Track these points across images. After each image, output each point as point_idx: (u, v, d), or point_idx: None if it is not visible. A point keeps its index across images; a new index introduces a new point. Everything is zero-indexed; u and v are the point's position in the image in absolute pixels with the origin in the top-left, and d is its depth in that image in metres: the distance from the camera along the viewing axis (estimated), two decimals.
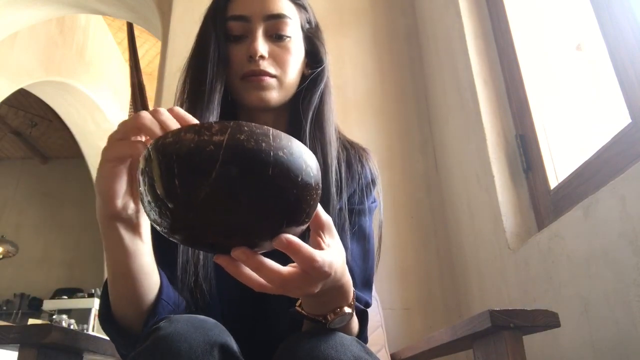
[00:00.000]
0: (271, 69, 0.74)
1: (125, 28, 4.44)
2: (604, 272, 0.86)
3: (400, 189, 1.62)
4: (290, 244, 0.42)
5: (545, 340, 1.03)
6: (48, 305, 5.42)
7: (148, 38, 4.84)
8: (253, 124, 0.40)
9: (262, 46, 0.72)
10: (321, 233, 0.48)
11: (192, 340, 0.50)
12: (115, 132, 0.50)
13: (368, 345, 0.61)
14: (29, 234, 6.59)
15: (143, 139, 0.50)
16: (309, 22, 0.82)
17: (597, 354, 0.88)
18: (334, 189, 0.73)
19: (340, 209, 0.74)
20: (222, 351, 0.51)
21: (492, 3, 1.43)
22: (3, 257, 5.82)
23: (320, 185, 0.44)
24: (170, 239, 0.44)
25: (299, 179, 0.40)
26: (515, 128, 1.29)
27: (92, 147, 5.39)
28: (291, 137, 0.42)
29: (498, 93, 1.35)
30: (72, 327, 4.38)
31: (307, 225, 0.46)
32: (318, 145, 0.75)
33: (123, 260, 0.55)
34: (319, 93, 0.79)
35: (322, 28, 0.86)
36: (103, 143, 0.51)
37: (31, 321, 4.61)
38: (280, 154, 0.39)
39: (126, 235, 0.54)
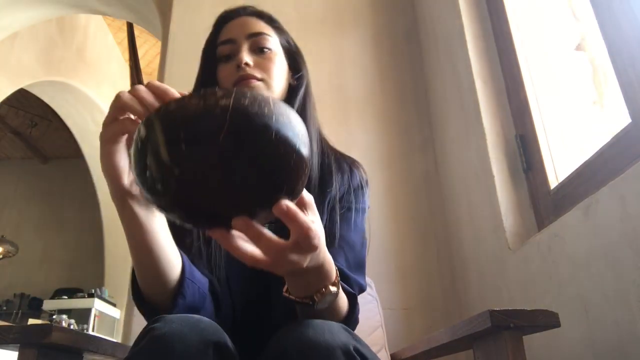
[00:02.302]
0: (257, 73, 0.81)
1: (125, 28, 4.44)
2: (604, 272, 0.86)
3: (400, 189, 1.62)
4: (289, 209, 0.44)
5: (545, 340, 1.03)
6: (48, 305, 5.42)
7: (148, 38, 4.84)
8: (254, 90, 0.43)
9: (247, 56, 0.81)
10: (304, 210, 0.49)
11: (187, 340, 0.51)
12: (106, 117, 0.53)
13: (368, 345, 0.62)
14: (29, 234, 6.59)
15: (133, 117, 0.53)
16: (288, 42, 0.91)
17: (597, 354, 0.88)
18: (316, 183, 0.80)
19: (332, 201, 0.80)
20: (217, 350, 0.52)
21: (492, 3, 1.43)
22: (3, 257, 5.82)
23: (310, 161, 0.46)
24: (168, 214, 0.44)
25: (297, 146, 0.42)
26: (515, 128, 1.29)
27: (92, 147, 5.39)
28: (288, 105, 0.44)
29: (498, 93, 1.35)
30: (72, 327, 4.38)
31: (297, 200, 0.47)
32: None
33: (141, 237, 0.57)
34: (300, 96, 0.87)
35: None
36: None
37: (31, 321, 4.62)
38: (281, 119, 0.41)
39: (140, 211, 0.56)
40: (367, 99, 1.75)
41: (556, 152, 1.18)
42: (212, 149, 0.39)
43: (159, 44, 2.81)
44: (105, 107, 5.02)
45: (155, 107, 0.49)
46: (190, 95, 0.41)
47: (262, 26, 0.87)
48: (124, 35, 4.94)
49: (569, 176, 1.07)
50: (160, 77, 1.82)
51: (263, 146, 0.40)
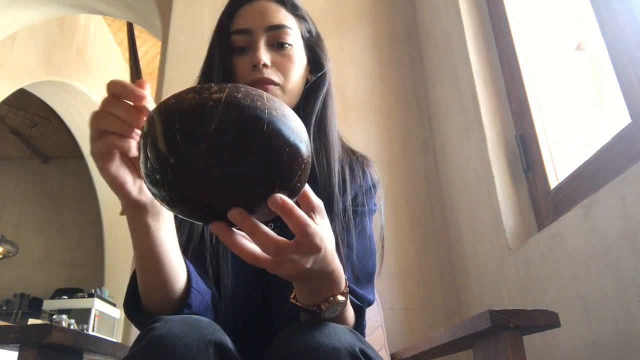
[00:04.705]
0: (274, 77, 0.75)
1: (125, 28, 4.44)
2: (604, 272, 0.86)
3: (400, 189, 1.62)
4: (284, 203, 0.43)
5: (545, 340, 1.03)
6: (48, 305, 5.43)
7: (148, 38, 4.84)
8: (249, 86, 0.44)
9: (264, 55, 0.75)
10: (312, 214, 0.48)
11: (187, 339, 0.51)
12: (90, 136, 0.51)
13: (373, 347, 0.62)
14: (29, 234, 6.59)
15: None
16: (310, 32, 0.84)
17: (597, 354, 0.88)
18: (337, 190, 0.75)
19: (345, 210, 0.76)
20: (217, 349, 0.52)
21: (492, 3, 1.43)
22: (3, 257, 5.83)
23: (311, 157, 0.46)
24: (171, 208, 0.45)
25: (290, 140, 0.43)
26: (515, 128, 1.29)
27: None
28: (283, 103, 0.45)
29: (498, 93, 1.35)
30: (72, 327, 4.38)
31: (298, 196, 0.47)
32: (322, 149, 0.78)
33: (149, 248, 0.57)
34: (321, 98, 0.81)
35: (322, 28, 0.88)
36: None
37: (31, 321, 4.62)
38: (274, 113, 0.42)
39: (150, 222, 0.56)
40: (367, 99, 1.75)
41: (556, 152, 1.18)
42: (204, 139, 0.40)
43: (159, 44, 2.82)
44: None
45: (130, 119, 0.48)
46: (188, 90, 0.42)
47: (283, 16, 0.79)
48: (124, 35, 4.94)
49: (569, 176, 1.07)
50: (160, 77, 1.82)
51: (254, 137, 0.41)
